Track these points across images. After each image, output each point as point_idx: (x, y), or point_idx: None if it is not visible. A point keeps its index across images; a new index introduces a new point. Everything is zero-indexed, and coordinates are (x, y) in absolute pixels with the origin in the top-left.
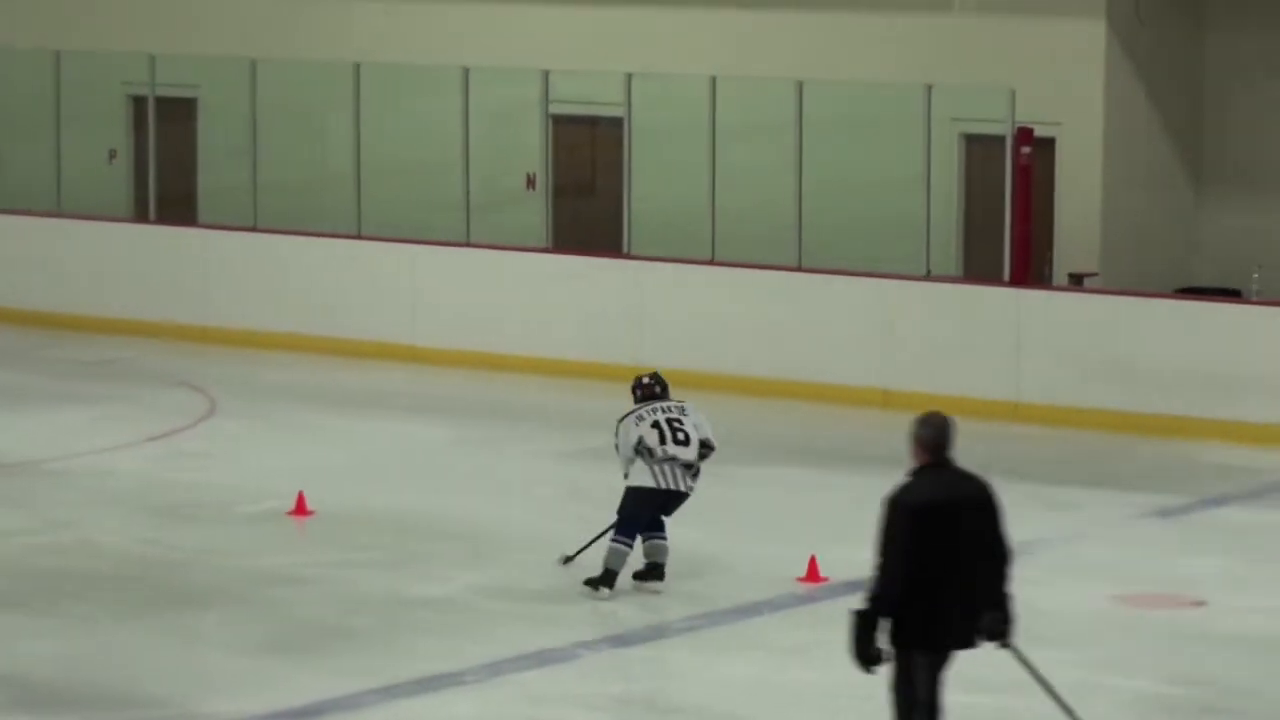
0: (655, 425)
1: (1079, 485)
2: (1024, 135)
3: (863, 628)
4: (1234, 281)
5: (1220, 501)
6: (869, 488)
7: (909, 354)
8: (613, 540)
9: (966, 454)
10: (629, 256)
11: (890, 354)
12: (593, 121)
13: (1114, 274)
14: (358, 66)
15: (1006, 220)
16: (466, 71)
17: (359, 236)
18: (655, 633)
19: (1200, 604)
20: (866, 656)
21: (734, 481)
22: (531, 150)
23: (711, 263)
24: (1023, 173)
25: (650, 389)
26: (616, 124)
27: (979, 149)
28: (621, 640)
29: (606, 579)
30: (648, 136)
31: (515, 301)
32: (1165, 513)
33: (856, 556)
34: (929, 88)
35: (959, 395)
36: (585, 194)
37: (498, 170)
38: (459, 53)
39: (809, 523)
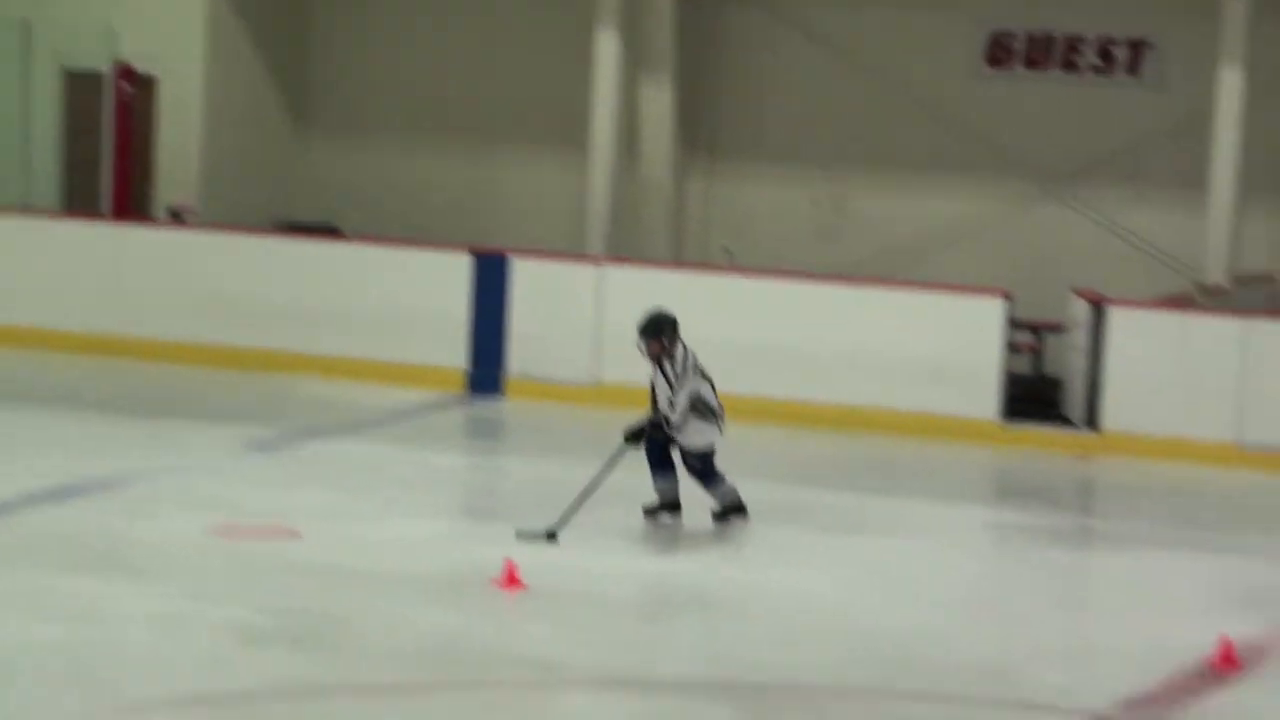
0: (704, 376)
1: (180, 418)
2: (124, 72)
3: None
4: (335, 218)
5: (318, 434)
6: None
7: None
8: (717, 490)
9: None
10: None
11: None
12: None
13: (215, 209)
14: None
15: (107, 155)
16: None
17: None
18: None
19: (296, 535)
20: None
21: None
22: None
23: None
24: (122, 109)
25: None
26: None
27: (80, 85)
28: None
29: (740, 509)
30: None
31: None
32: (264, 446)
33: None
34: (28, 22)
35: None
36: None
37: None
38: None
39: None
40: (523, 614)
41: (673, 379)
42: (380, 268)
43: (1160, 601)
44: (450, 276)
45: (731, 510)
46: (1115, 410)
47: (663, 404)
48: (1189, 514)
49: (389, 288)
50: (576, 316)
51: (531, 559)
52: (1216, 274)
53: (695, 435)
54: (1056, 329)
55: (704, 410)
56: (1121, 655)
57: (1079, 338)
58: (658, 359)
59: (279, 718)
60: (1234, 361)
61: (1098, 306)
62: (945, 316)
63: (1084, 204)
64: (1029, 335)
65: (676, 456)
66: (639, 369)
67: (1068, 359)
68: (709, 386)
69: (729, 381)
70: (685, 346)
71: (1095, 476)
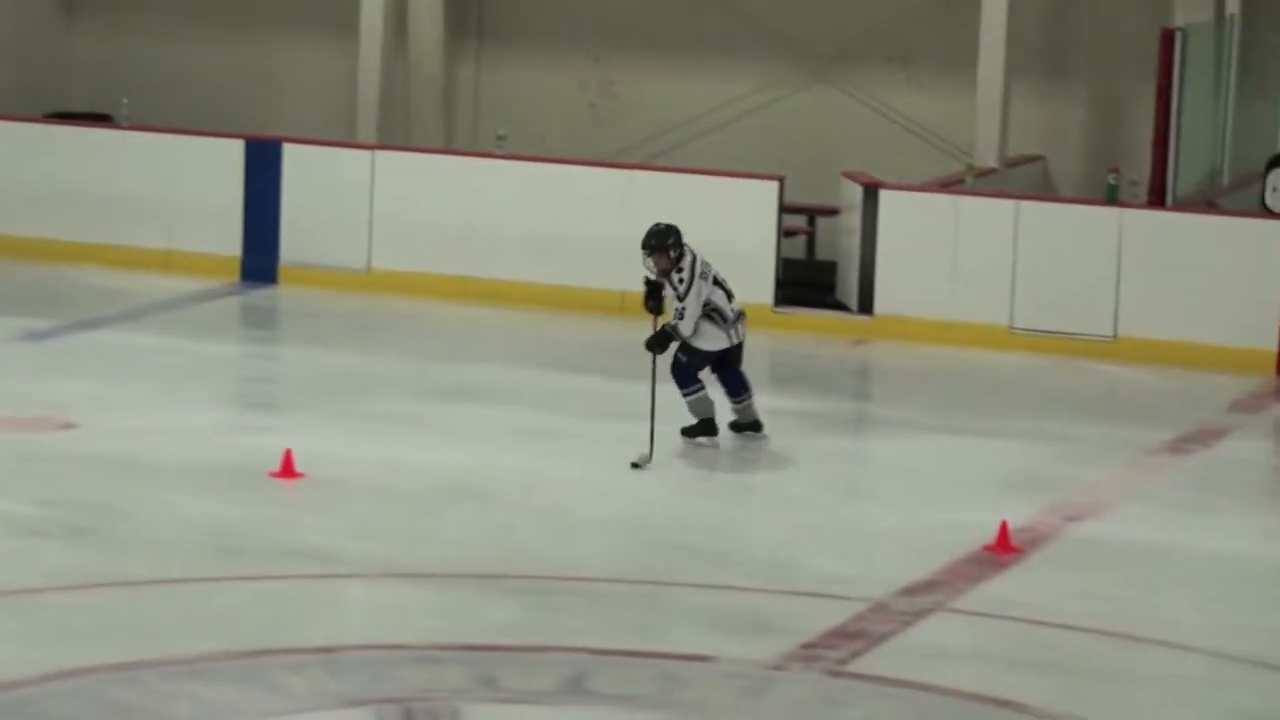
0: (718, 283)
1: None
2: None
3: None
4: (105, 106)
5: (93, 324)
6: None
7: None
8: (688, 395)
9: None
10: None
11: None
12: None
13: None
14: None
15: None
16: None
17: None
18: None
19: (70, 426)
20: None
21: None
22: None
23: None
24: None
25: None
26: None
27: None
28: None
29: (707, 428)
30: None
31: None
32: (38, 335)
33: None
34: None
35: None
36: None
37: None
38: None
39: None
40: (301, 505)
41: (679, 290)
42: (153, 155)
43: (937, 487)
44: (223, 164)
45: (703, 425)
46: (888, 294)
47: (673, 316)
48: (963, 398)
49: (162, 175)
50: (349, 203)
51: (309, 449)
52: (987, 156)
53: (702, 339)
54: (829, 213)
55: (716, 317)
56: (899, 542)
57: (851, 221)
58: (666, 274)
59: (56, 611)
60: (1005, 244)
61: (870, 190)
62: (718, 201)
63: (854, 86)
64: (802, 219)
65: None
66: (411, 256)
67: (841, 243)
68: (723, 293)
69: (500, 268)
70: (695, 255)
71: (869, 361)
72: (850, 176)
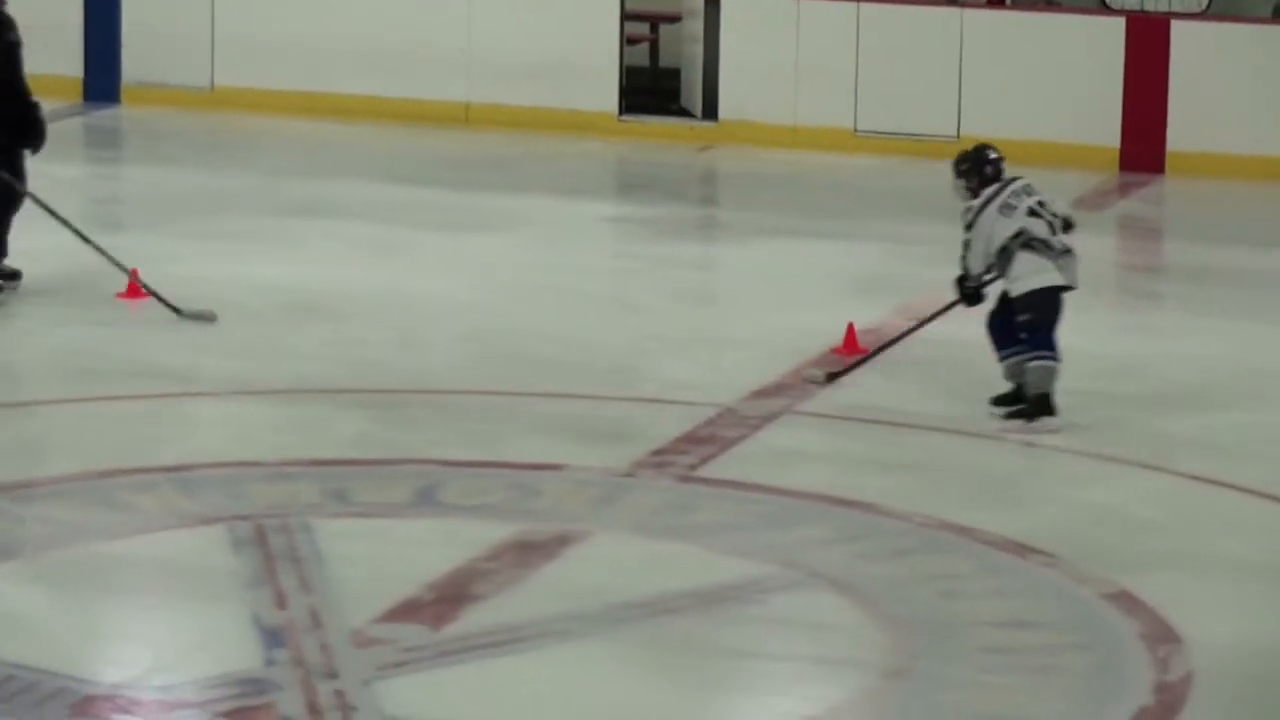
0: (1034, 213)
1: None
2: None
3: None
4: None
5: None
6: None
7: None
8: (1036, 359)
9: None
10: None
11: None
12: None
13: None
14: None
15: None
16: None
17: None
18: None
19: None
20: None
21: None
22: None
23: None
24: None
25: (998, 167)
26: None
27: None
28: None
29: (1044, 405)
30: None
31: None
32: None
33: None
34: None
35: None
36: None
37: None
38: None
39: None
40: (149, 325)
41: (964, 221)
42: None
43: (784, 291)
44: None
45: (1039, 402)
46: (732, 99)
47: None
48: (809, 202)
49: None
50: (190, 21)
51: (154, 269)
52: None
53: (1021, 279)
54: (671, 19)
55: (1040, 246)
56: (749, 346)
57: (694, 28)
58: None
59: None
60: (847, 47)
61: None
62: (560, 10)
63: None
64: (644, 27)
65: None
66: (255, 72)
67: (684, 50)
68: (1044, 224)
69: (344, 82)
70: (1002, 187)
71: (715, 167)
72: None
